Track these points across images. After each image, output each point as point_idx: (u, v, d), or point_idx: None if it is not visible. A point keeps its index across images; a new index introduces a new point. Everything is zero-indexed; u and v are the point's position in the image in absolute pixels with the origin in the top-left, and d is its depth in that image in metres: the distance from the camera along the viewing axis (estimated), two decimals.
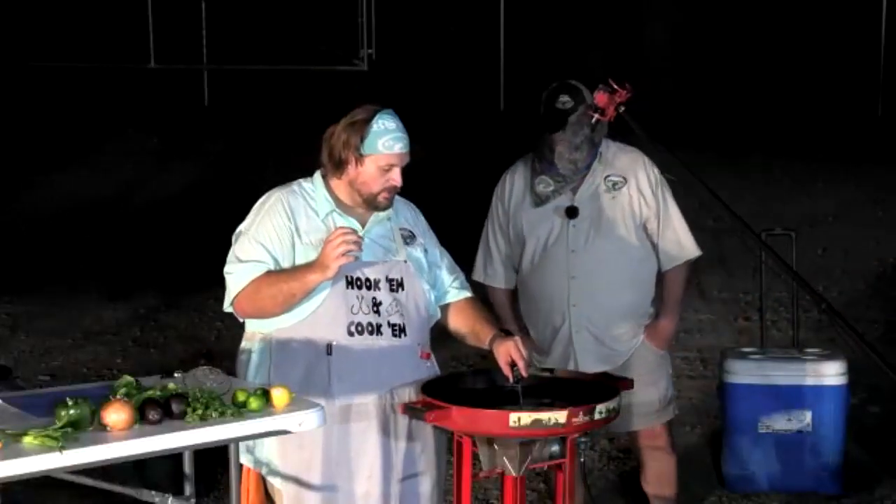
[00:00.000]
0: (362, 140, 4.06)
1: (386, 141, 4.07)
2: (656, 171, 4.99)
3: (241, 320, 4.19)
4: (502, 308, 5.14)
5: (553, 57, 13.70)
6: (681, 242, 5.04)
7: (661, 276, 5.10)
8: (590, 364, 4.89)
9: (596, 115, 4.34)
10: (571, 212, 4.91)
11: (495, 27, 14.22)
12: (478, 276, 5.13)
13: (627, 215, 4.94)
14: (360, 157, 4.08)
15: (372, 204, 4.13)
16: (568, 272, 4.95)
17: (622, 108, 4.32)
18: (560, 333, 4.98)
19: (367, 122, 4.07)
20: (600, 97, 4.35)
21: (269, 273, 4.01)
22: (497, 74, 14.02)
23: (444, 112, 12.94)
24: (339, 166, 4.11)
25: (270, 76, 14.29)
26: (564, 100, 4.78)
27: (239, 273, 4.04)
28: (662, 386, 5.11)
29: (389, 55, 14.44)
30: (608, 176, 4.93)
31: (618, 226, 4.93)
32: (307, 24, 14.36)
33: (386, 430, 4.09)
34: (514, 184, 5.04)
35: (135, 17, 14.58)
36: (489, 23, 14.22)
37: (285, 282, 3.97)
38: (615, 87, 4.34)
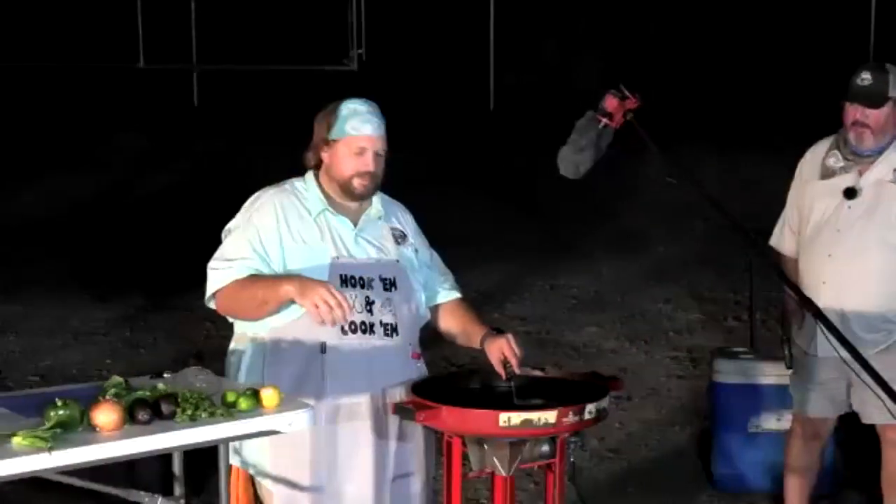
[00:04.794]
0: (331, 126, 4.09)
1: (354, 123, 4.08)
2: None
3: (230, 321, 4.18)
4: (787, 274, 5.10)
5: (543, 57, 13.72)
6: None
7: None
8: (824, 347, 4.83)
9: (604, 120, 4.33)
10: (850, 192, 4.99)
11: (485, 27, 14.21)
12: (772, 240, 5.32)
13: None
14: (330, 143, 4.10)
15: (348, 191, 4.11)
16: (827, 249, 5.01)
17: (631, 116, 4.31)
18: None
19: (337, 107, 4.10)
20: (610, 102, 4.33)
21: (250, 277, 4.00)
22: (487, 74, 14.02)
23: (434, 112, 12.94)
24: (318, 158, 4.12)
25: (260, 76, 14.28)
26: (865, 76, 4.93)
27: (222, 272, 4.04)
28: None
29: (379, 55, 14.44)
30: None
31: (892, 217, 4.97)
32: (297, 24, 14.34)
33: (378, 430, 4.09)
34: (812, 154, 5.17)
35: (124, 17, 14.56)
36: (479, 23, 14.21)
37: (261, 289, 3.96)
38: (626, 93, 4.33)
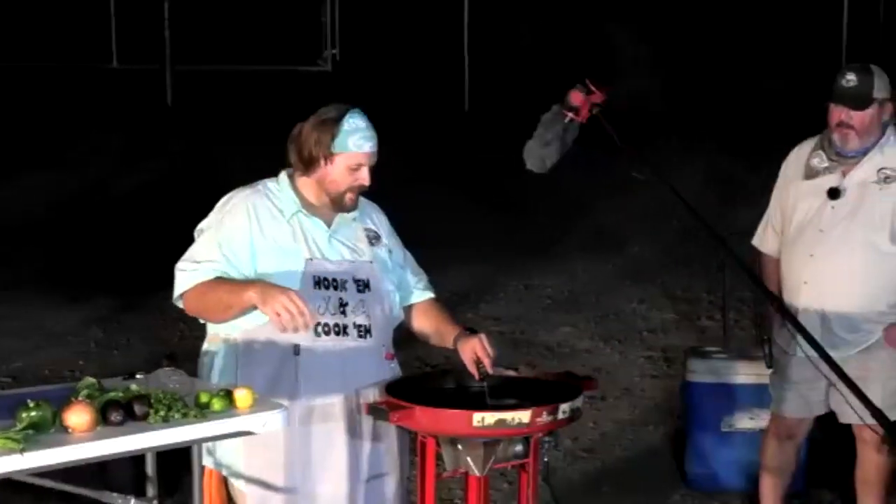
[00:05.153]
0: (333, 138, 4.07)
1: (356, 140, 4.07)
2: None
3: (202, 322, 4.18)
4: (769, 276, 5.22)
5: (517, 57, 13.72)
6: None
7: None
8: (807, 347, 4.80)
9: (570, 115, 4.33)
10: (833, 193, 4.99)
11: (459, 27, 14.21)
12: (755, 240, 5.34)
13: (888, 211, 4.97)
14: (330, 156, 4.08)
15: (339, 204, 4.12)
16: (809, 249, 5.02)
17: (597, 110, 4.32)
18: (791, 310, 4.94)
19: (338, 120, 4.07)
20: (575, 96, 4.34)
21: (216, 279, 3.99)
22: (462, 75, 14.01)
23: (408, 113, 12.93)
24: (308, 165, 4.11)
25: (234, 76, 14.24)
26: (850, 77, 4.93)
27: (188, 273, 4.03)
28: (885, 388, 4.91)
29: (353, 56, 14.42)
30: (883, 168, 4.99)
31: (875, 218, 4.97)
32: (271, 24, 14.31)
33: (352, 431, 4.09)
34: (797, 154, 5.17)
35: (97, 16, 14.49)
36: (453, 22, 14.21)
37: (225, 293, 3.96)
38: (592, 87, 4.34)
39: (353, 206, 4.15)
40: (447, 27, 14.25)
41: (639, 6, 14.23)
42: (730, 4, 14.17)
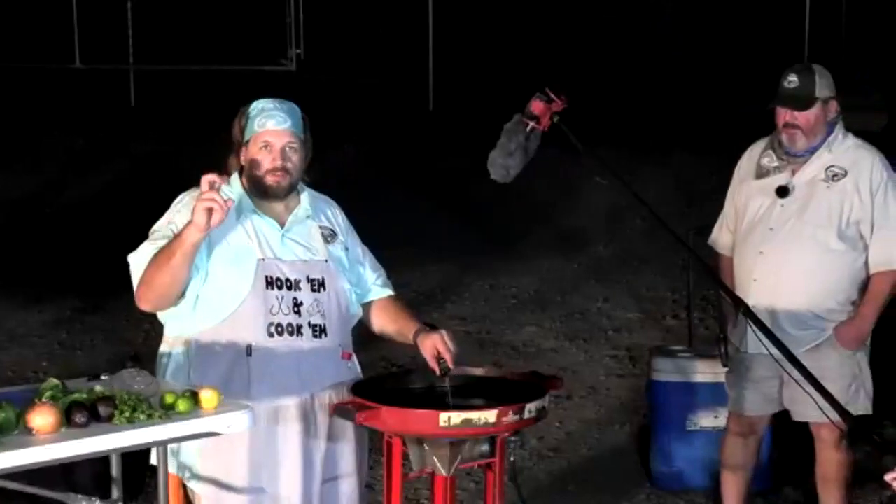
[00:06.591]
0: (245, 126, 4.10)
1: (260, 119, 4.09)
2: (886, 174, 5.05)
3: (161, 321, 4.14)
4: (724, 273, 5.26)
5: (482, 57, 13.72)
6: (890, 250, 5.03)
7: None
8: (754, 344, 4.90)
9: (531, 124, 4.34)
10: (782, 191, 5.06)
11: (424, 27, 14.21)
12: (710, 239, 5.41)
13: (836, 208, 5.01)
14: (245, 144, 4.10)
15: (261, 188, 4.09)
16: (759, 247, 5.07)
17: (557, 118, 4.34)
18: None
19: (247, 108, 4.13)
20: (536, 105, 4.35)
21: (157, 251, 3.93)
22: (426, 74, 14.01)
23: (373, 112, 12.92)
24: (239, 159, 4.14)
25: (197, 76, 14.18)
26: (791, 79, 5.00)
27: (136, 261, 3.98)
28: (838, 386, 4.81)
29: (318, 55, 14.40)
30: (831, 166, 5.04)
31: (822, 215, 5.01)
32: (235, 23, 14.26)
33: (307, 433, 4.06)
34: (749, 154, 5.24)
35: (60, 16, 14.41)
36: (418, 22, 14.21)
37: (167, 246, 3.87)
38: (552, 96, 4.35)
39: (279, 190, 4.09)
40: (412, 27, 14.24)
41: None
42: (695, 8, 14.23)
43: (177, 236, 3.86)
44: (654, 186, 9.80)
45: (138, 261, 3.99)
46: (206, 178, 3.80)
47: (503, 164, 4.74)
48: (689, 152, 11.45)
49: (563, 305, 9.03)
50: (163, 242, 3.93)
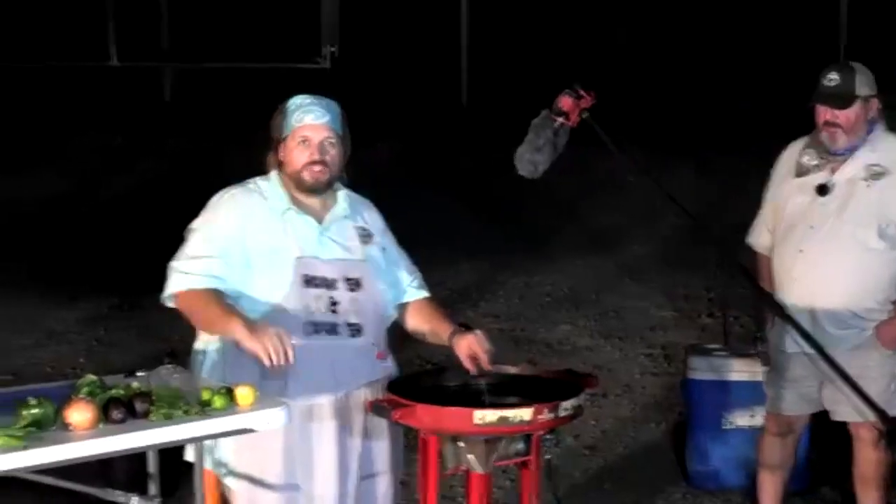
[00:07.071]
0: (283, 122, 4.12)
1: (298, 115, 4.11)
2: None
3: None
4: (762, 273, 5.24)
5: (515, 52, 13.71)
6: None
7: None
8: (793, 343, 4.90)
9: (560, 120, 4.33)
10: (822, 189, 5.02)
11: (457, 23, 14.20)
12: (749, 238, 5.37)
13: (876, 207, 4.98)
14: (283, 140, 4.12)
15: (299, 183, 4.12)
16: (798, 245, 5.04)
17: (586, 115, 4.32)
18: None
19: (284, 105, 4.15)
20: (565, 101, 4.34)
21: (210, 292, 3.96)
22: (459, 70, 14.00)
23: (406, 109, 12.93)
24: (277, 156, 4.16)
25: (233, 74, 14.22)
26: (832, 77, 4.97)
27: (183, 276, 4.01)
28: (878, 386, 4.89)
29: (352, 53, 14.41)
30: (872, 164, 5.01)
31: (862, 214, 4.98)
32: (270, 21, 14.30)
33: (342, 431, 4.07)
34: (788, 153, 5.21)
35: (95, 15, 14.48)
36: (451, 18, 14.20)
37: (213, 314, 3.92)
38: (581, 92, 4.34)
39: (316, 185, 4.11)
40: (445, 23, 14.24)
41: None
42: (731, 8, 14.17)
43: (227, 319, 3.86)
44: (688, 185, 9.77)
45: (180, 282, 4.01)
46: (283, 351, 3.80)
47: (531, 159, 4.73)
48: (721, 151, 11.40)
49: (597, 303, 9.01)
50: (203, 271, 3.98)
